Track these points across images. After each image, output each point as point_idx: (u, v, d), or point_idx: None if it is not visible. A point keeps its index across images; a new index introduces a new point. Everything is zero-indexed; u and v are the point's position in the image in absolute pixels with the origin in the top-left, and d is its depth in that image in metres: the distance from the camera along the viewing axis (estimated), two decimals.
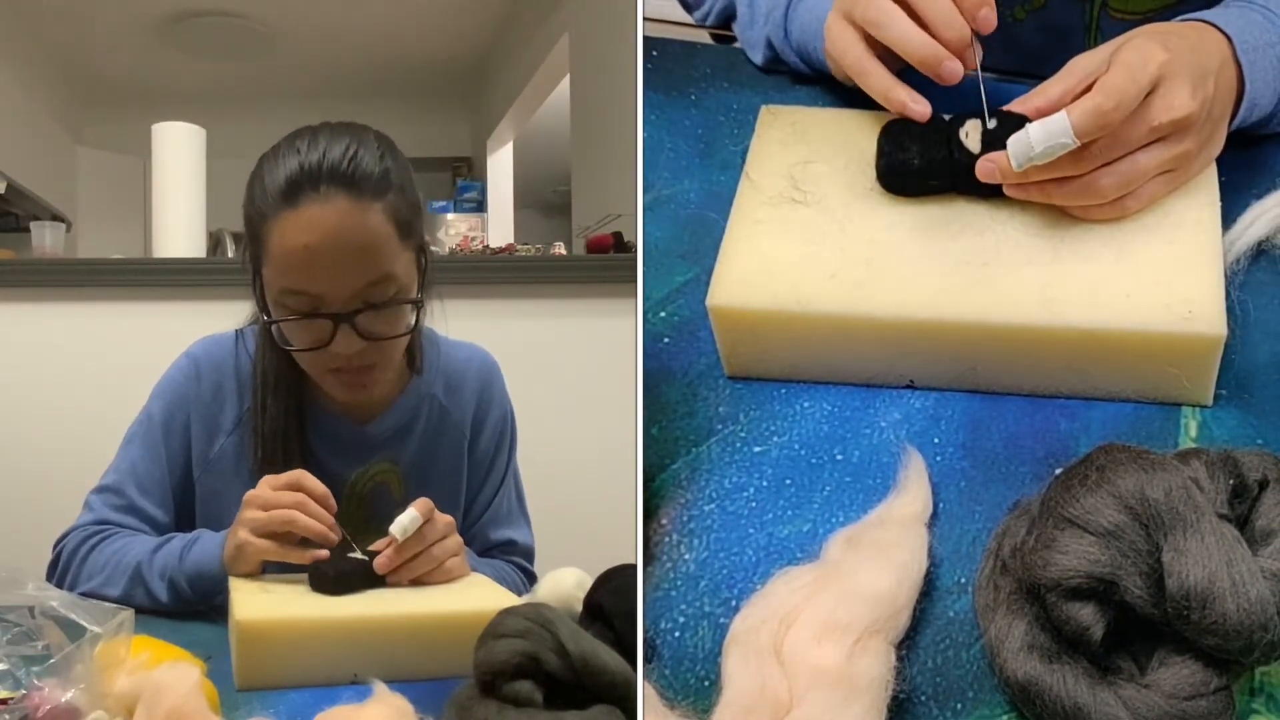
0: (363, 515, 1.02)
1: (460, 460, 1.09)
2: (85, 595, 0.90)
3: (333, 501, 0.90)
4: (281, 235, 0.89)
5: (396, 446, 1.05)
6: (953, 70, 0.73)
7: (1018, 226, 0.73)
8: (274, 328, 0.94)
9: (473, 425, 1.10)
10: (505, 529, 1.13)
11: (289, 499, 0.88)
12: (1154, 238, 0.71)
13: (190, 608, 0.93)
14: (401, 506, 0.99)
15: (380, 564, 0.85)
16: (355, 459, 1.04)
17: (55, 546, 1.03)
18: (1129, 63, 0.68)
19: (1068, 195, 0.71)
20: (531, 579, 1.12)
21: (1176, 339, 0.67)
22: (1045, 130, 0.68)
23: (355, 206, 0.89)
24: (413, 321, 0.96)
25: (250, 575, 0.89)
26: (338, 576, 0.84)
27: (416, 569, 0.87)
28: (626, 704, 0.58)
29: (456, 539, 0.91)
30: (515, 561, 1.13)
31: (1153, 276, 0.69)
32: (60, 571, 1.01)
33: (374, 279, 0.90)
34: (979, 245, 0.73)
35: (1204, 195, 0.73)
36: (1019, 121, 0.71)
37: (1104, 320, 0.68)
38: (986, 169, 0.72)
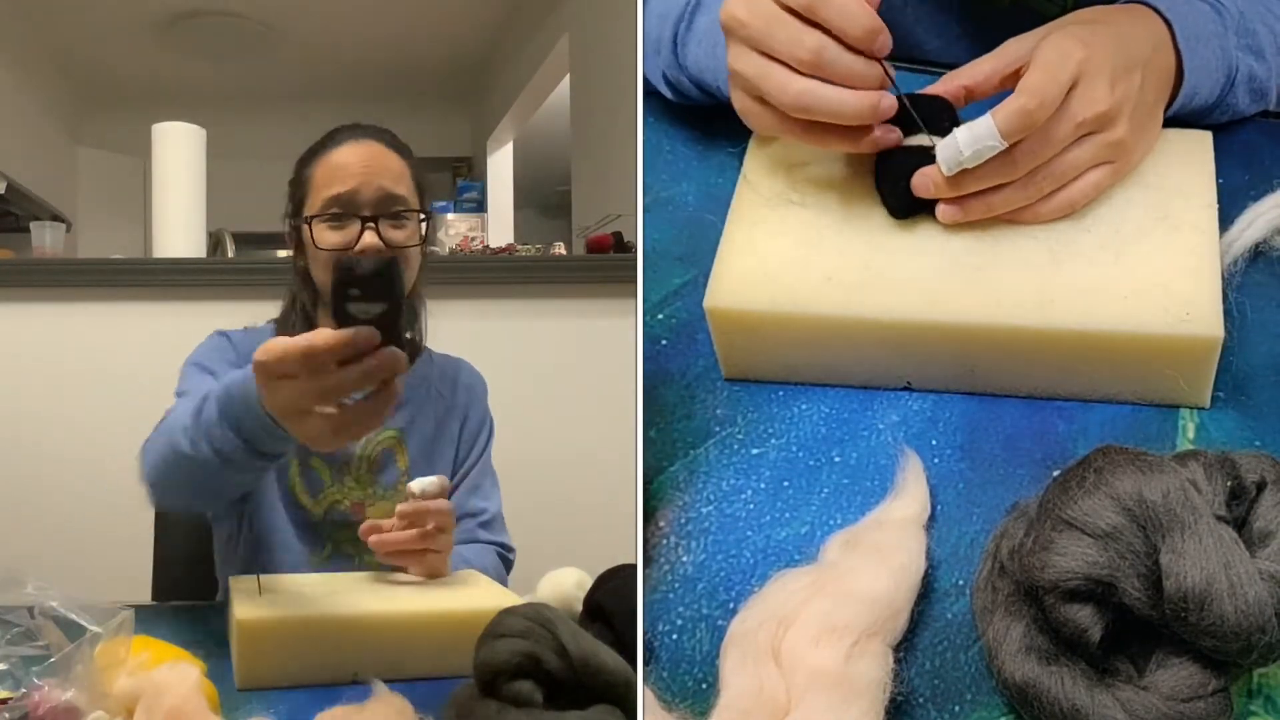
0: (370, 477, 1.16)
1: (454, 436, 1.23)
2: (161, 466, 0.90)
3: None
4: (325, 162, 1.12)
5: (400, 415, 1.18)
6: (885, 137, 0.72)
7: (1015, 227, 0.73)
8: (312, 239, 1.10)
9: (465, 411, 1.25)
10: (480, 499, 1.25)
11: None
12: (1151, 240, 0.71)
13: (247, 432, 0.83)
14: (405, 475, 1.17)
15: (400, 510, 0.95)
16: None
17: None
18: (1048, 61, 0.69)
19: (1007, 200, 0.71)
20: (509, 551, 1.25)
21: (1174, 341, 0.67)
22: (972, 134, 0.68)
23: (386, 151, 1.13)
24: (417, 245, 1.13)
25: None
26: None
27: (408, 540, 0.96)
28: (626, 704, 0.58)
29: (449, 539, 1.00)
30: (490, 540, 1.23)
31: (1150, 278, 0.69)
32: (142, 454, 0.98)
33: (395, 192, 1.11)
34: (976, 246, 0.73)
35: (1201, 197, 0.73)
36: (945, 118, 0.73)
37: (1101, 322, 0.68)
38: (922, 184, 0.72)
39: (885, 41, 0.67)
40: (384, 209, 1.10)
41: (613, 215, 3.18)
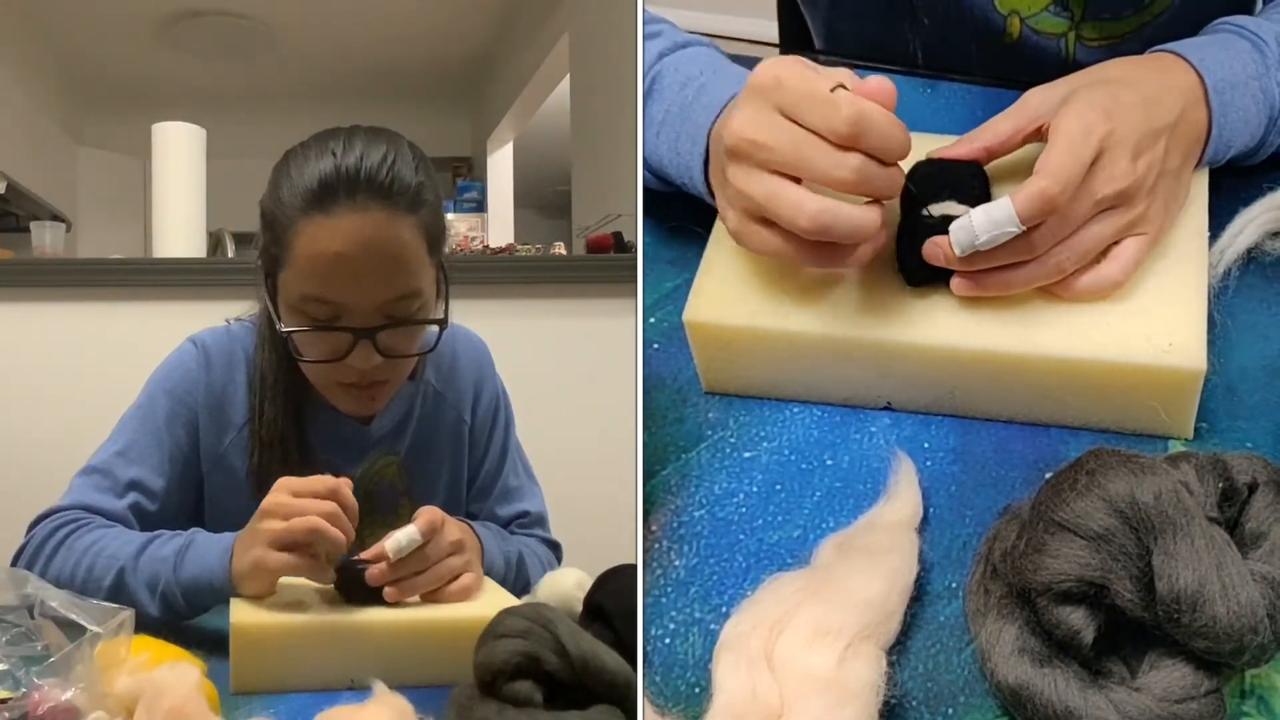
0: (366, 508, 1.00)
1: (460, 443, 1.09)
2: (78, 581, 0.86)
3: (356, 516, 0.82)
4: (311, 240, 0.87)
5: (395, 439, 1.05)
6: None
7: None
8: (295, 347, 0.92)
9: (471, 409, 1.10)
10: (517, 503, 1.13)
11: (321, 508, 0.79)
12: (1138, 268, 0.70)
13: (180, 619, 0.87)
14: (405, 495, 1.05)
15: (373, 576, 0.80)
16: (355, 456, 1.03)
17: (28, 531, 0.96)
18: (1070, 136, 0.66)
19: (1027, 279, 0.68)
20: (554, 547, 1.13)
21: (1155, 372, 0.66)
22: (990, 219, 0.64)
23: (390, 218, 0.87)
24: (432, 342, 0.96)
25: (264, 595, 0.81)
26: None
27: (416, 587, 0.82)
28: (626, 704, 0.59)
29: (463, 558, 0.85)
30: (537, 535, 1.13)
31: (1134, 307, 0.68)
32: (27, 562, 0.93)
33: (402, 294, 0.89)
34: None
35: (1191, 225, 0.72)
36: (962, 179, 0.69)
37: (1082, 350, 0.67)
38: (933, 251, 0.68)
39: (910, 148, 0.64)
40: (385, 317, 0.90)
41: (613, 215, 3.18)
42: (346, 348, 0.89)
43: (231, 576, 0.82)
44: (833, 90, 0.63)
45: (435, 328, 0.95)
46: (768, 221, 0.66)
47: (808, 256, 0.66)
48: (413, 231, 0.89)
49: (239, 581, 0.81)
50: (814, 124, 0.63)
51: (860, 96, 0.62)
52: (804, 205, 0.63)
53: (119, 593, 0.86)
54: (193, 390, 1.01)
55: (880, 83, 0.63)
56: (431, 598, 0.83)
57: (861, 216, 0.63)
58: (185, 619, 0.87)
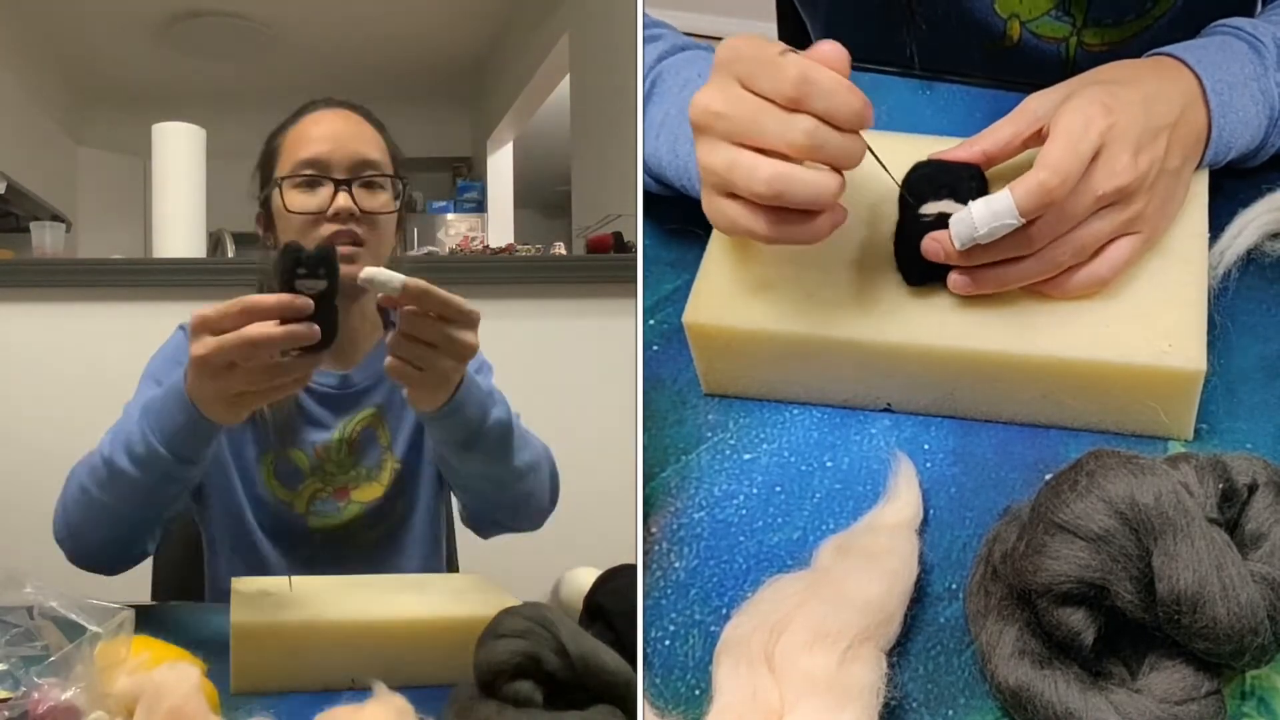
0: (351, 459, 1.14)
1: None
2: (71, 508, 0.99)
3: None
4: (301, 128, 1.13)
5: (375, 390, 1.16)
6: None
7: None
8: (283, 202, 1.09)
9: None
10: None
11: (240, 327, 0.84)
12: (1137, 268, 0.70)
13: (169, 469, 0.91)
14: (387, 450, 1.16)
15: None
16: (342, 408, 1.14)
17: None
18: (1070, 131, 0.66)
19: (1024, 274, 0.68)
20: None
21: (1154, 373, 0.66)
22: (990, 210, 0.65)
23: (358, 118, 1.15)
24: (392, 208, 1.13)
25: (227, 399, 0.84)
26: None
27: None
28: (626, 704, 0.59)
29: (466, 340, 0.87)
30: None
31: (1133, 308, 0.68)
32: (60, 503, 1.03)
33: (368, 158, 1.11)
34: None
35: (1191, 226, 0.72)
36: (958, 177, 0.69)
37: (1081, 350, 0.67)
38: (931, 247, 0.68)
39: (871, 117, 0.63)
40: (358, 172, 1.09)
41: (613, 215, 3.18)
42: (329, 198, 1.08)
43: (190, 389, 0.87)
44: (781, 54, 0.62)
45: (391, 220, 1.13)
46: (733, 195, 0.66)
47: (768, 226, 0.66)
48: (374, 134, 1.15)
49: (202, 399, 0.86)
50: (765, 90, 0.63)
51: (810, 60, 0.62)
52: (759, 169, 0.63)
53: (110, 472, 0.94)
54: (178, 356, 1.10)
55: (832, 46, 0.63)
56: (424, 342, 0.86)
57: (818, 180, 0.63)
58: (174, 469, 0.91)
